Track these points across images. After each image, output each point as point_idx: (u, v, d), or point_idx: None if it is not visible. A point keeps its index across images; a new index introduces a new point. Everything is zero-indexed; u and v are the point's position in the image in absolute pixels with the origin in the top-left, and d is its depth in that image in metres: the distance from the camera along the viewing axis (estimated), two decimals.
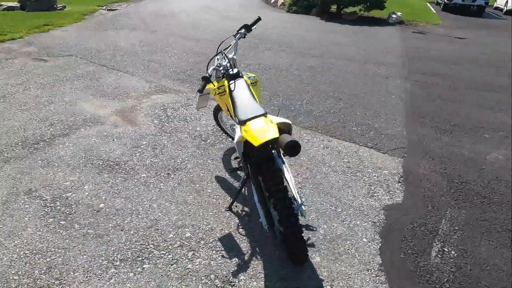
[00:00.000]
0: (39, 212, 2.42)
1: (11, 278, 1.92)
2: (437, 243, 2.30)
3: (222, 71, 2.52)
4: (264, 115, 1.97)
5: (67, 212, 2.43)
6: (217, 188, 2.77)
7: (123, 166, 3.02)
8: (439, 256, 2.20)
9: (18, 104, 4.15)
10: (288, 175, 2.16)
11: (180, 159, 3.14)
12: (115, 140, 3.43)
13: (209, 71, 2.40)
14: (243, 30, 2.67)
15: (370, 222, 2.46)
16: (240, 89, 2.34)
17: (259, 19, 2.76)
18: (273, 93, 4.83)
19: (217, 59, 2.56)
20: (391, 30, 10.10)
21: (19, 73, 5.25)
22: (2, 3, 10.67)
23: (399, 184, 2.92)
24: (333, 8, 12.37)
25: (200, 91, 2.31)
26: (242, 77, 2.47)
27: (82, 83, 4.95)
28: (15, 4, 10.69)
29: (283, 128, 1.98)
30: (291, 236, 1.85)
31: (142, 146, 3.34)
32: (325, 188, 2.83)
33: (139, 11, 11.82)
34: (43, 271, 1.97)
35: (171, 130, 3.68)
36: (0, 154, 3.10)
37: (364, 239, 2.31)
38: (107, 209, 2.48)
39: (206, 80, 2.34)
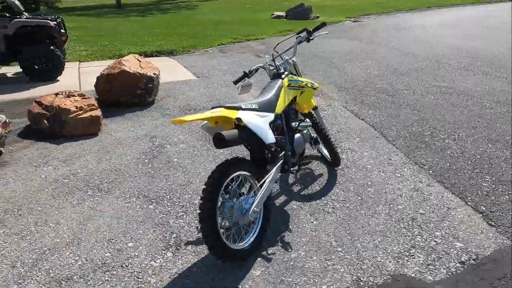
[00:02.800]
0: (144, 150, 3.44)
1: (94, 178, 2.97)
2: None
3: (274, 71, 2.61)
4: (236, 108, 2.00)
5: (155, 156, 3.33)
6: None
7: None
8: None
9: (205, 83, 5.58)
10: (267, 180, 2.10)
11: None
12: None
13: (253, 68, 2.60)
14: (303, 34, 2.62)
15: (354, 277, 1.96)
16: (270, 87, 2.41)
17: (323, 24, 2.60)
18: (423, 118, 4.07)
19: (267, 58, 2.67)
20: None
21: (230, 62, 6.86)
22: (274, 12, 13.54)
23: (459, 264, 2.04)
24: None
25: (234, 82, 2.58)
26: (282, 78, 2.49)
27: (258, 76, 5.92)
28: (282, 13, 13.31)
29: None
30: (201, 225, 1.86)
31: None
32: (348, 223, 2.39)
33: (380, 23, 11.94)
34: (107, 181, 2.91)
35: None
36: (171, 113, 4.44)
37: (324, 287, 1.91)
38: (175, 164, 3.20)
39: (245, 74, 2.57)
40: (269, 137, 2.06)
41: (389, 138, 3.65)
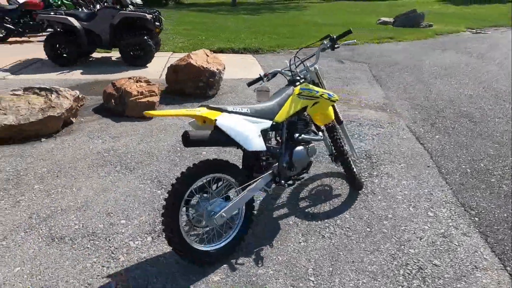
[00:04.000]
0: (178, 140, 3.64)
1: (127, 156, 3.27)
2: None
3: (290, 77, 2.47)
4: (220, 109, 1.95)
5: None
6: None
7: None
8: None
9: (271, 82, 5.56)
10: (247, 188, 2.03)
11: None
12: None
13: (270, 72, 2.50)
14: (326, 41, 2.39)
15: None
16: (278, 93, 2.30)
17: (348, 32, 2.32)
18: (502, 154, 3.35)
19: (286, 63, 2.52)
20: None
21: None
22: (381, 18, 12.67)
23: None
24: None
25: (248, 84, 2.54)
26: (295, 86, 2.34)
27: (332, 82, 5.64)
28: (390, 20, 12.37)
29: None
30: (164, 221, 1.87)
31: None
32: (339, 253, 2.12)
33: (507, 37, 10.11)
34: (136, 162, 3.17)
35: None
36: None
37: None
38: (202, 157, 3.30)
39: (260, 78, 2.50)
40: (254, 144, 1.97)
41: (443, 170, 3.11)
